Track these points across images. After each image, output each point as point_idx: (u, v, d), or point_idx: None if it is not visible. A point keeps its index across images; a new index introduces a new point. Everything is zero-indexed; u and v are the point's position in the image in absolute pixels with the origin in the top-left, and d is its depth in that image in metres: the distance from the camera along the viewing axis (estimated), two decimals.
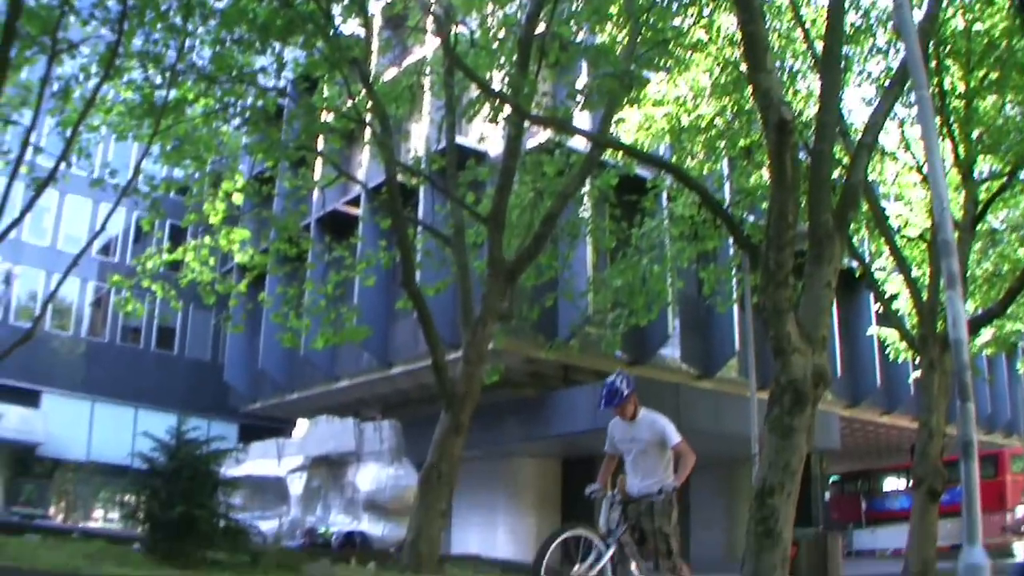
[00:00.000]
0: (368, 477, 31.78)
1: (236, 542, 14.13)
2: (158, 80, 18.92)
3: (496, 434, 34.93)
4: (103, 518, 49.52)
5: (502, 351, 27.38)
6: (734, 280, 26.34)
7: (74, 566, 11.80)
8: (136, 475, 14.37)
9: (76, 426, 52.10)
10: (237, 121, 20.43)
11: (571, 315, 30.03)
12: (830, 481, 51.35)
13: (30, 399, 51.15)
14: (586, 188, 22.26)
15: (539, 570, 9.26)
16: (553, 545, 9.54)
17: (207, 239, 22.14)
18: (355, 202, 39.23)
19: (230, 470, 17.45)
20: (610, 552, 9.85)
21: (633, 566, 10.23)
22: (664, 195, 25.03)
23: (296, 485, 34.66)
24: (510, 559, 27.60)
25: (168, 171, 22.99)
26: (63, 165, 18.22)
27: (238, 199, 22.06)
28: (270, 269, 23.84)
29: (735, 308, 31.83)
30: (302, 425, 38.62)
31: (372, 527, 30.84)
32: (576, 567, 9.67)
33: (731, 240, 24.44)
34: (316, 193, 29.25)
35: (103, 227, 19.55)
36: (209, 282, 21.88)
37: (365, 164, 33.91)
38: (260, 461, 35.73)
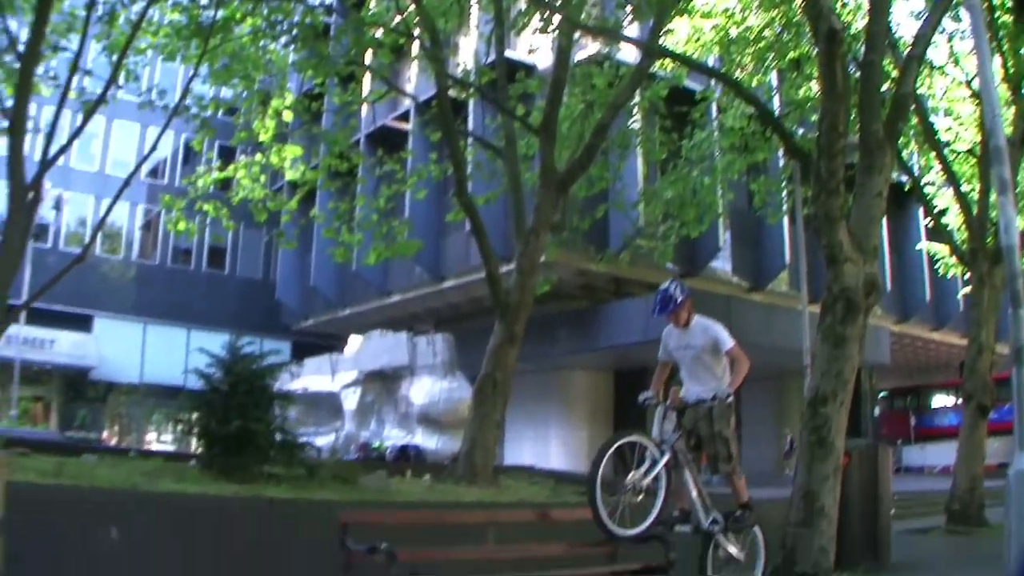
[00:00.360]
0: (421, 391, 32.05)
1: (292, 456, 14.21)
2: (204, 0, 18.91)
3: (548, 347, 35.04)
4: (157, 440, 50.09)
5: (554, 263, 27.36)
6: (784, 192, 26.18)
7: (132, 483, 11.90)
8: (191, 393, 14.44)
9: (129, 349, 52.80)
10: (285, 39, 20.38)
11: (622, 227, 29.98)
12: (879, 397, 51.27)
13: (82, 324, 51.78)
14: (636, 100, 22.18)
15: (595, 477, 9.16)
16: (609, 452, 9.47)
17: (258, 156, 22.25)
18: (404, 117, 39.36)
19: (285, 386, 17.56)
20: (665, 459, 9.77)
21: (687, 473, 10.19)
22: (714, 107, 24.93)
23: (350, 400, 35.04)
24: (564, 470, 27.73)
25: (216, 91, 22.95)
26: (111, 89, 18.22)
27: (288, 116, 22.13)
28: (321, 184, 23.94)
29: (785, 220, 31.72)
30: (355, 341, 38.90)
31: (426, 440, 31.14)
32: (631, 474, 9.61)
33: (781, 152, 24.37)
34: (365, 109, 29.28)
35: (153, 148, 19.57)
36: (261, 199, 22.01)
37: (414, 78, 33.87)
38: (314, 377, 36.10)
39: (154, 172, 53.84)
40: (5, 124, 15.81)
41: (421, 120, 27.58)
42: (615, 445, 9.63)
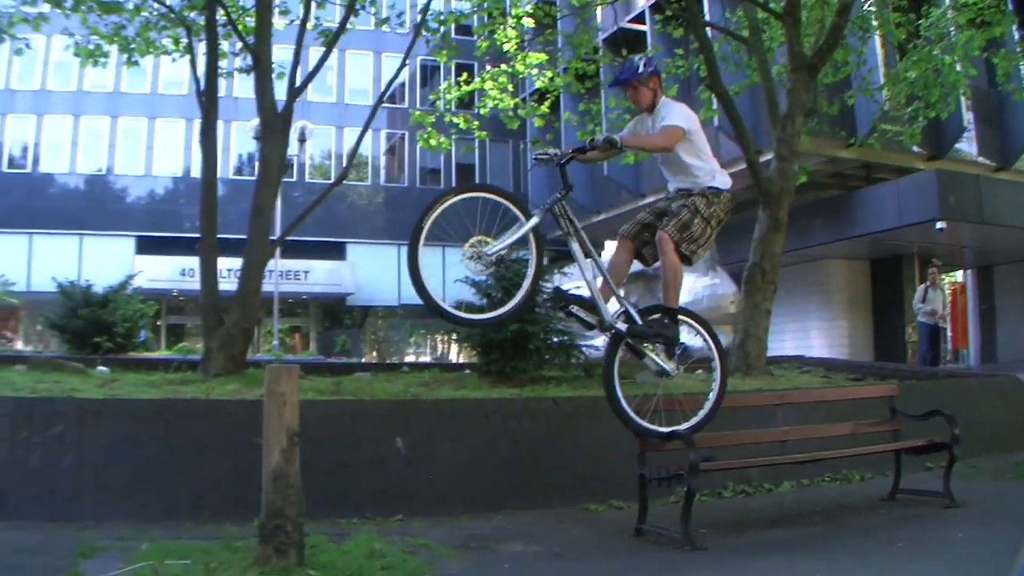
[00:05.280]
0: (684, 288, 31.94)
1: (569, 356, 14.30)
2: None
3: (804, 238, 34.61)
4: (417, 359, 51.21)
5: (803, 152, 27.04)
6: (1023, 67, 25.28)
7: (412, 394, 12.18)
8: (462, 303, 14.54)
9: (383, 273, 54.11)
10: None
11: (868, 112, 29.35)
12: None
13: (336, 252, 53.67)
14: None
15: (422, 226, 8.16)
16: (445, 205, 8.18)
17: (503, 67, 22.38)
18: (639, 19, 39.23)
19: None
20: (532, 222, 8.33)
21: (574, 245, 8.60)
22: None
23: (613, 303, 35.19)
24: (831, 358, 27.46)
25: (449, 6, 23.19)
26: (351, 16, 18.22)
27: (529, 23, 22.20)
28: (569, 87, 23.85)
29: None
30: (611, 246, 39.06)
31: (691, 338, 31.07)
32: (491, 240, 8.38)
33: (1015, 26, 23.65)
34: (599, 13, 29.20)
35: (402, 67, 19.31)
36: (511, 108, 22.10)
37: None
38: (576, 281, 36.35)
39: (392, 98, 54.78)
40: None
41: (662, 17, 27.32)
42: (452, 199, 8.31)
